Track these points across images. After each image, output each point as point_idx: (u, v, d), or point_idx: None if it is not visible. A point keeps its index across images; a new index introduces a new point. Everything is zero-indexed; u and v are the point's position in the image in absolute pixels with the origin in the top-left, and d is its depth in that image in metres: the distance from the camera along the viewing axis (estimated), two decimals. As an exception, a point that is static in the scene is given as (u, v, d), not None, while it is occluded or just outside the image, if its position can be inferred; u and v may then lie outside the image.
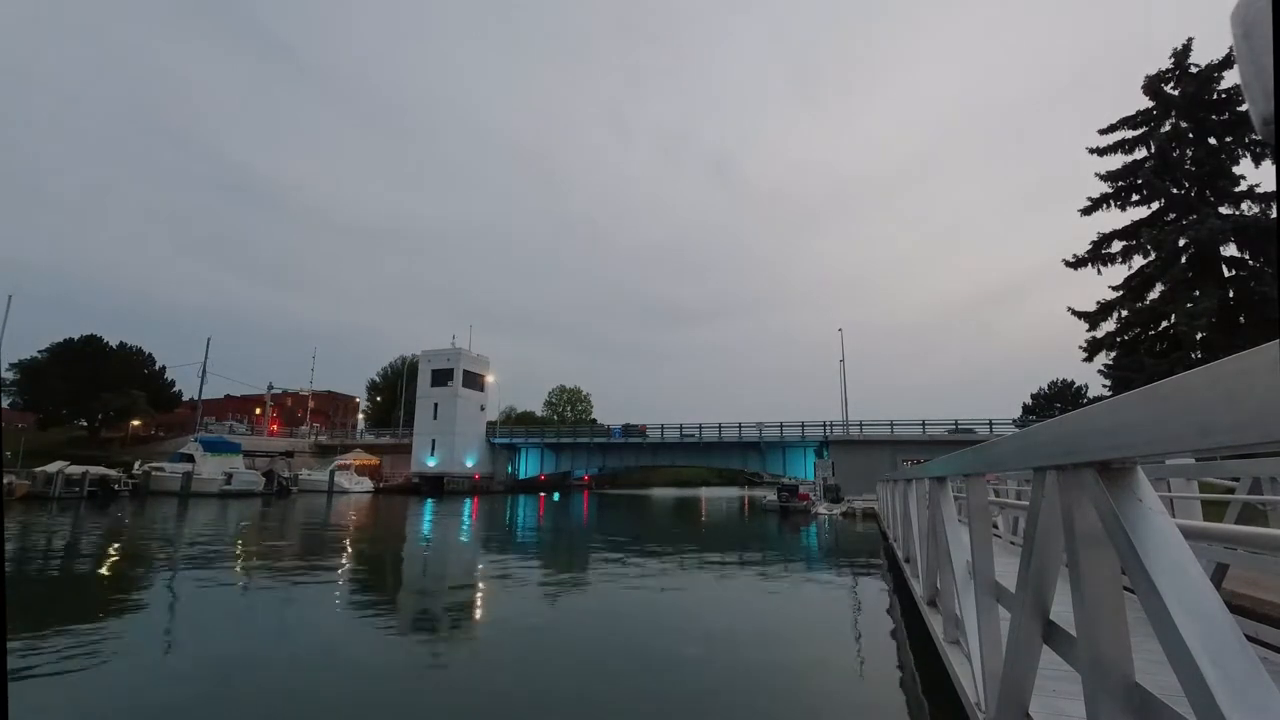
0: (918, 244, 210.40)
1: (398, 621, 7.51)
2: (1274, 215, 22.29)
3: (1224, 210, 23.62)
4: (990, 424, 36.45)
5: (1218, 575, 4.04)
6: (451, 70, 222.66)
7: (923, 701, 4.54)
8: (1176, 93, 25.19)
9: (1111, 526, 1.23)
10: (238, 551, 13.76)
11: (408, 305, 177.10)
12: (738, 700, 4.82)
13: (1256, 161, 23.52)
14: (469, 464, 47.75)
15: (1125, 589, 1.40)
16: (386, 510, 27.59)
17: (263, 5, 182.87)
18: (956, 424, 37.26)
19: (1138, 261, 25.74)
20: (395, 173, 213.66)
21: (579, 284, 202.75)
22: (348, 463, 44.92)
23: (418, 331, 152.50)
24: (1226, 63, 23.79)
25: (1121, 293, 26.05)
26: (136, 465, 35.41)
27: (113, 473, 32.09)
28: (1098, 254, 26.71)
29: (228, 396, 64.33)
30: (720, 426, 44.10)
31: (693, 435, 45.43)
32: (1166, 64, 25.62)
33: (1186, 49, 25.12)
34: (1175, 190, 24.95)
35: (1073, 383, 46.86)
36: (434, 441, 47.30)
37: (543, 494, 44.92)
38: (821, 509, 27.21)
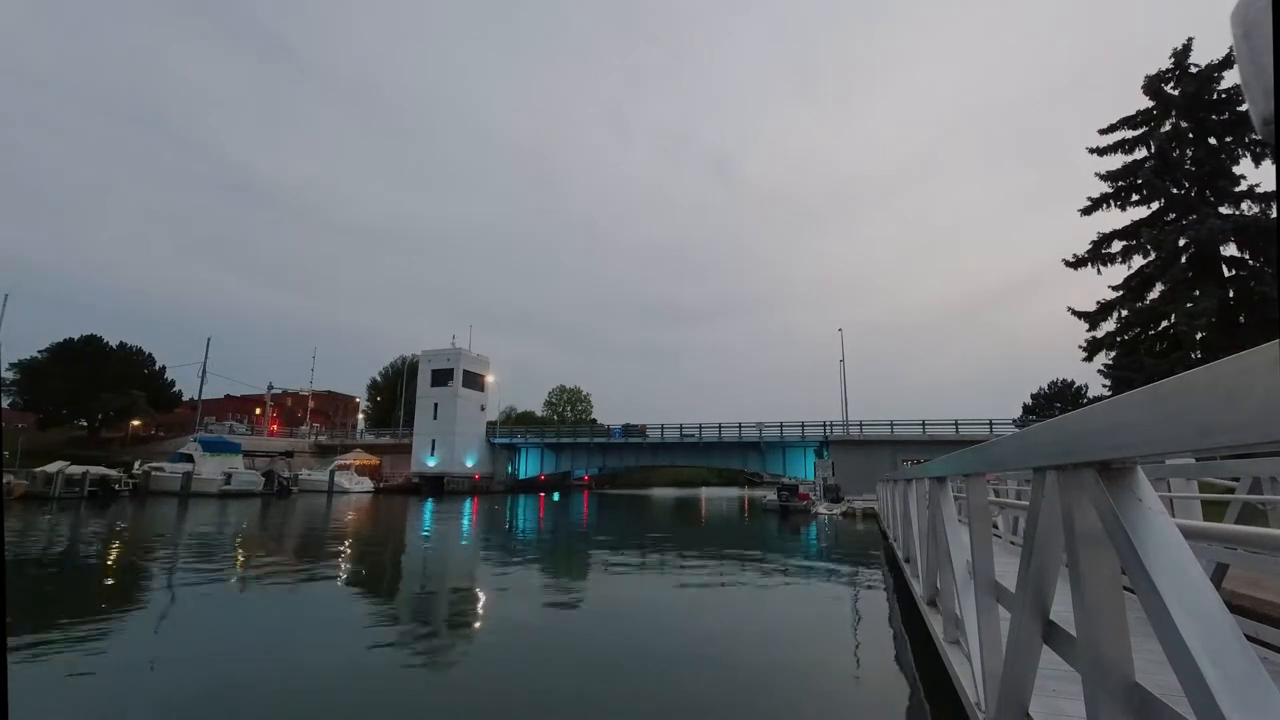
0: (918, 244, 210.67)
1: (397, 622, 7.50)
2: (1274, 215, 22.28)
3: (1224, 210, 23.62)
4: (990, 424, 36.44)
5: (1218, 575, 4.04)
6: (451, 70, 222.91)
7: (923, 701, 4.53)
8: (1176, 93, 25.20)
9: (1111, 526, 1.23)
10: (237, 552, 13.75)
11: (408, 305, 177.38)
12: (738, 700, 4.82)
13: (1256, 161, 23.52)
14: (469, 464, 47.75)
15: (1125, 589, 1.40)
16: (386, 510, 27.59)
17: (263, 5, 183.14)
18: (957, 424, 37.26)
19: (1138, 261, 25.75)
20: (395, 173, 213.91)
21: (579, 284, 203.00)
22: (348, 463, 44.92)
23: (418, 331, 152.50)
24: (1226, 63, 23.79)
25: (1121, 293, 26.05)
26: (136, 465, 35.39)
27: (113, 473, 32.08)
28: (1098, 254, 26.71)
29: (228, 396, 64.35)
30: (720, 426, 44.11)
31: (693, 435, 45.43)
32: (1166, 64, 25.64)
33: (1186, 49, 25.12)
34: (1175, 190, 24.95)
35: (1073, 383, 46.84)
36: (434, 441, 47.31)
37: (543, 494, 44.91)
38: (821, 509, 27.21)
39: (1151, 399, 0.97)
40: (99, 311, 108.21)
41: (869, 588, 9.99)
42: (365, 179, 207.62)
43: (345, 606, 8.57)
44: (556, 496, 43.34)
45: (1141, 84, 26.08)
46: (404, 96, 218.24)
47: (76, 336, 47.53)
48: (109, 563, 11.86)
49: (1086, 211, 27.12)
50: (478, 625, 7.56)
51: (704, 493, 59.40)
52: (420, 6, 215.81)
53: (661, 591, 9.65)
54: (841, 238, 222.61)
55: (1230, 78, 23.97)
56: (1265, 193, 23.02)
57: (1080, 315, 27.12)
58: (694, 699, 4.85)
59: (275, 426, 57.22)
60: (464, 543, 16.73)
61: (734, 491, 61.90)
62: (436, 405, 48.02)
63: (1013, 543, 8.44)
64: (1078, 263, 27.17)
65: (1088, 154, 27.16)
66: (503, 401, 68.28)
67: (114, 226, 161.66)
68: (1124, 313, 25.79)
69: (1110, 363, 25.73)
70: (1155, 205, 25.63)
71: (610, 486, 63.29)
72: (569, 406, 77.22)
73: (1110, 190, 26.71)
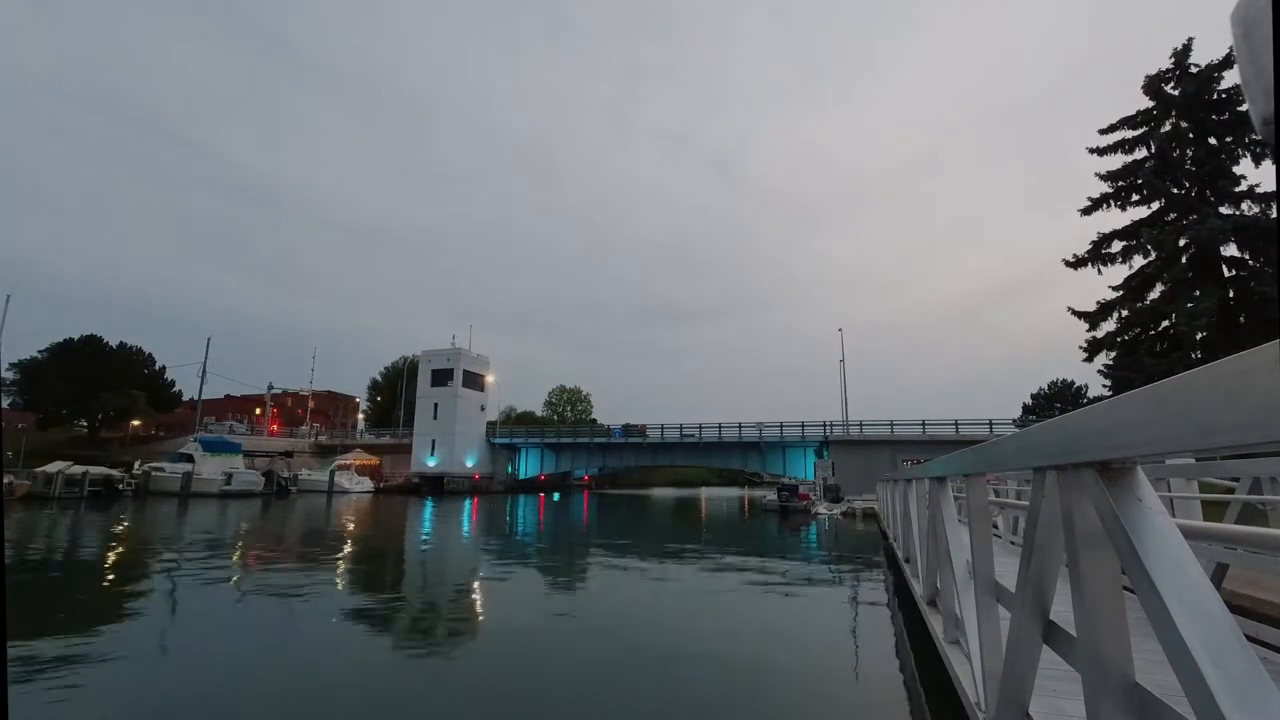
0: (918, 244, 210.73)
1: (397, 621, 7.50)
2: (1274, 215, 22.29)
3: (1224, 210, 23.62)
4: (990, 424, 36.43)
5: (1218, 575, 4.04)
6: (452, 70, 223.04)
7: (923, 702, 4.53)
8: (1176, 93, 25.19)
9: (1111, 526, 1.23)
10: (237, 552, 13.76)
11: (407, 305, 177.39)
12: (737, 700, 4.82)
13: (1256, 161, 23.51)
14: (469, 464, 47.75)
15: (1125, 589, 1.40)
16: (386, 510, 27.59)
17: (263, 5, 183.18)
18: (957, 424, 37.25)
19: (1138, 261, 25.75)
20: (395, 172, 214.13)
21: (579, 283, 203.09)
22: (348, 463, 44.92)
23: (417, 331, 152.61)
24: (1226, 63, 23.79)
25: (1121, 293, 26.04)
26: (136, 465, 35.37)
27: (114, 473, 32.07)
28: (1098, 254, 26.71)
29: (228, 396, 64.34)
30: (720, 426, 44.11)
31: (693, 435, 45.42)
32: (1166, 64, 25.63)
33: (1186, 49, 25.12)
34: (1175, 190, 24.95)
35: (1073, 383, 46.84)
36: (434, 441, 47.31)
37: (543, 494, 44.91)
38: (821, 509, 27.21)
39: (1151, 399, 0.97)
40: (99, 311, 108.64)
41: (869, 588, 9.99)
42: (365, 179, 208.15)
43: (345, 606, 8.56)
44: (556, 496, 43.34)
45: (1141, 84, 26.08)
46: (404, 96, 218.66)
47: (76, 336, 47.49)
48: (109, 563, 11.86)
49: (1087, 211, 27.12)
50: (477, 625, 7.56)
51: (704, 493, 59.41)
52: (420, 6, 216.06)
53: (661, 591, 9.65)
54: (842, 237, 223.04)
55: (1230, 78, 23.96)
56: (1265, 193, 23.02)
57: (1080, 315, 27.12)
58: (694, 699, 4.85)
59: (275, 426, 57.23)
60: (464, 543, 16.73)
61: (734, 491, 61.90)
62: (436, 405, 48.02)
63: (1013, 543, 8.43)
64: (1078, 263, 27.17)
65: (1088, 154, 27.20)
66: (503, 401, 68.39)
67: (114, 226, 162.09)
68: (1124, 313, 25.78)
69: (1110, 363, 25.72)
70: (1155, 205, 25.63)
71: (610, 486, 63.27)
72: (569, 406, 77.21)
73: (1110, 190, 26.71)
